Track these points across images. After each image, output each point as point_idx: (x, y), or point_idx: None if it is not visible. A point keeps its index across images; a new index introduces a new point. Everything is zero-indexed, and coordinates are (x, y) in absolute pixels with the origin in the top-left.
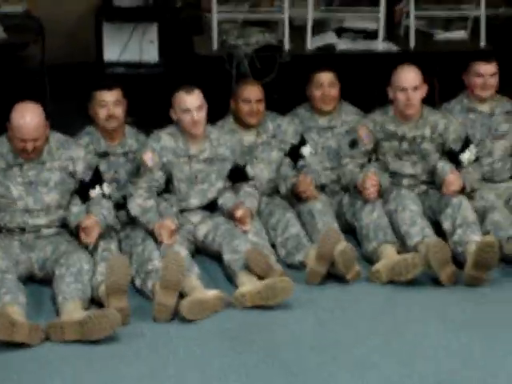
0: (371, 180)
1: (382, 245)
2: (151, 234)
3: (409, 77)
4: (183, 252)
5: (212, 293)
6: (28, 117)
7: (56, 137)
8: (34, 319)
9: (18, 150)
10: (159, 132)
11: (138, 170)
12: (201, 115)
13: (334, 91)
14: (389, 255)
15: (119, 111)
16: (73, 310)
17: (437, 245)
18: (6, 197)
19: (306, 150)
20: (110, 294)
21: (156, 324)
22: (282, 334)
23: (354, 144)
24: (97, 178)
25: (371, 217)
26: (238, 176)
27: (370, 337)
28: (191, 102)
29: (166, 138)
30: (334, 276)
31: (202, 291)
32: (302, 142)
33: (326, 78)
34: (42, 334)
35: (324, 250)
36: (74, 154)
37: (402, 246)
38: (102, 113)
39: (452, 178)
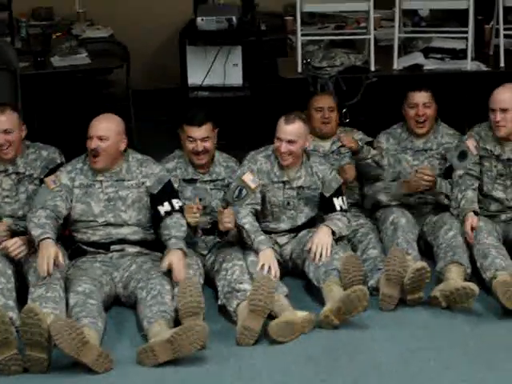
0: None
1: (448, 265)
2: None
3: (498, 98)
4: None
5: (301, 314)
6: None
7: (136, 156)
8: (111, 347)
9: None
10: (256, 154)
11: (239, 192)
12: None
13: (430, 112)
14: (451, 279)
15: (208, 145)
16: (159, 331)
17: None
18: (86, 214)
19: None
20: (184, 317)
21: (239, 347)
22: (368, 360)
23: (463, 155)
24: (166, 194)
25: (446, 236)
26: (326, 207)
27: (458, 366)
28: (286, 132)
29: (262, 161)
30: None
31: (291, 311)
32: None
33: (420, 97)
34: (110, 364)
35: (391, 273)
36: (149, 171)
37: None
38: (189, 147)
39: None
